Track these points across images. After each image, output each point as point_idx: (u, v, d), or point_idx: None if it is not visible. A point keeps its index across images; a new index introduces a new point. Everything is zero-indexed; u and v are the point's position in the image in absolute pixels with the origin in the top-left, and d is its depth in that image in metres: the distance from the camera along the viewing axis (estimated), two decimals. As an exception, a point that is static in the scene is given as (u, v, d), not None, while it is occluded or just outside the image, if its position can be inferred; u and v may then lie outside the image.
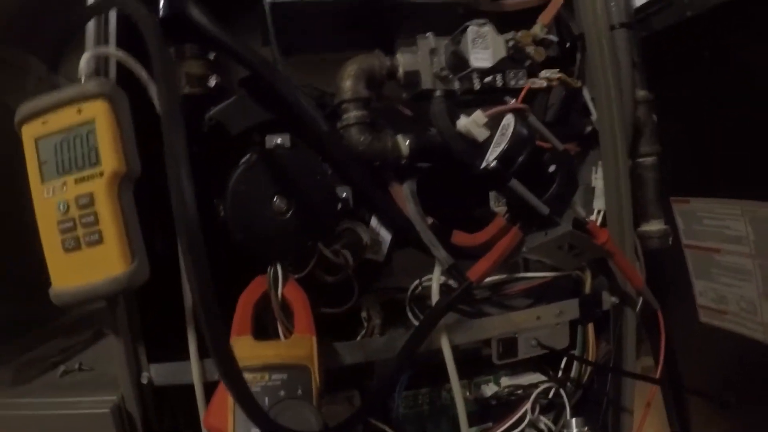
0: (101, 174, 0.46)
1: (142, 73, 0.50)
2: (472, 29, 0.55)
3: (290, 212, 0.52)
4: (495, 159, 0.48)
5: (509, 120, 0.50)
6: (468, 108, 0.56)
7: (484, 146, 0.51)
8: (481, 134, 0.51)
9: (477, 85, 0.55)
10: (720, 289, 0.73)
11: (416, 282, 0.60)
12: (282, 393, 0.48)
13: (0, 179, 0.74)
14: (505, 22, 0.59)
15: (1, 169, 0.75)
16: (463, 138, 0.52)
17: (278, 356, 0.49)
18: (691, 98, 0.69)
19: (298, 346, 0.50)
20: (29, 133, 0.48)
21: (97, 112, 0.46)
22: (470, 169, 0.51)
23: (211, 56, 0.61)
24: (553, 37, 0.62)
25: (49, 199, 0.47)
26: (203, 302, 0.36)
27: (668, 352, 0.65)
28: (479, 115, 0.51)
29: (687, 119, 0.70)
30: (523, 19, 0.62)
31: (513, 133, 0.49)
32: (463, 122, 0.51)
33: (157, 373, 0.54)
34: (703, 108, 0.69)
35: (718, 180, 0.70)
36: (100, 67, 0.52)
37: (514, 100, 0.54)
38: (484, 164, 0.49)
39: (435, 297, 0.55)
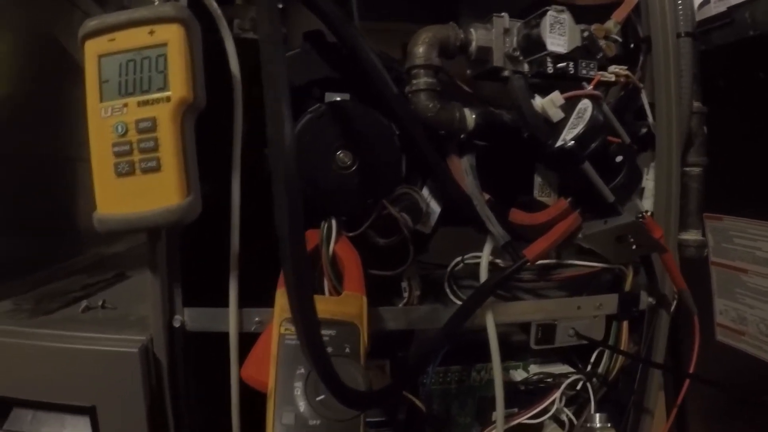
0: (168, 99, 0.44)
1: (214, 6, 0.49)
2: (551, 14, 0.55)
3: (353, 167, 0.51)
4: (572, 139, 0.48)
5: (586, 105, 0.50)
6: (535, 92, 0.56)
7: (557, 127, 0.51)
8: (556, 115, 0.51)
9: (550, 69, 0.55)
10: (741, 310, 0.74)
11: (458, 258, 0.59)
12: (329, 349, 0.46)
13: (37, 114, 0.71)
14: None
15: (41, 104, 0.72)
16: (538, 116, 0.52)
17: (328, 311, 0.48)
18: (738, 116, 0.70)
19: (349, 303, 0.49)
20: (93, 49, 0.45)
21: (171, 35, 0.44)
22: (543, 148, 0.50)
23: (280, 5, 0.60)
24: (617, 37, 0.62)
25: (106, 119, 0.45)
26: (293, 236, 0.35)
27: (681, 366, 0.65)
28: (557, 96, 0.51)
29: (731, 136, 0.70)
30: (588, 14, 0.62)
31: (590, 117, 0.49)
32: (540, 101, 0.51)
33: (190, 317, 0.52)
34: (749, 127, 0.70)
35: (755, 201, 0.71)
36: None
37: (589, 87, 0.53)
38: (560, 143, 0.49)
39: (483, 274, 0.55)
